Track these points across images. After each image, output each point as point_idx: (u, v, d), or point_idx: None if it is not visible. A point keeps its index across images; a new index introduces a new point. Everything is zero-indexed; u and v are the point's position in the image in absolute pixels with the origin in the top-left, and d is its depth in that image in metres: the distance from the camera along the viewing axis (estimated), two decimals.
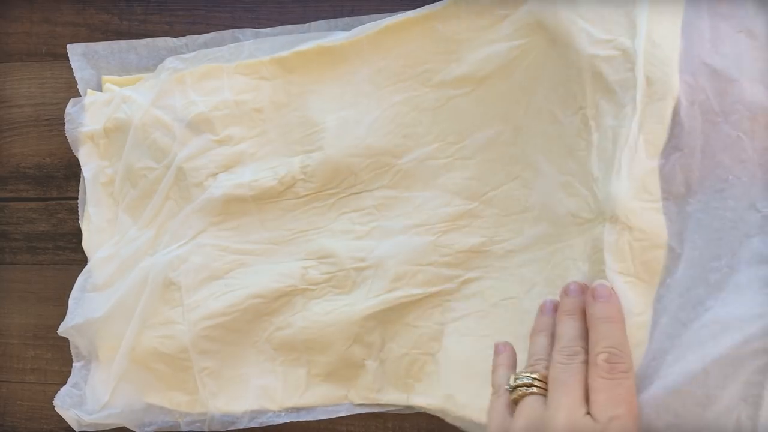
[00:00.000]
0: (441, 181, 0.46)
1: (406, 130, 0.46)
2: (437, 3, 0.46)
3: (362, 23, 0.48)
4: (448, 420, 0.44)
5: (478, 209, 0.45)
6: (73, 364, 0.49)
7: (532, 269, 0.43)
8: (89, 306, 0.48)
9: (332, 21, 0.49)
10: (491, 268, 0.44)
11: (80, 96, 0.51)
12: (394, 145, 0.46)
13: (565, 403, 0.30)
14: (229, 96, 0.48)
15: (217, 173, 0.48)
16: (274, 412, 0.47)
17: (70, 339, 0.49)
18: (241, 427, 0.47)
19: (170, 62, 0.49)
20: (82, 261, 0.50)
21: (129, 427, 0.47)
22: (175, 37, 0.50)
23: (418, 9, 0.46)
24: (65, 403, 0.48)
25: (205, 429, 0.47)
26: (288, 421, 0.47)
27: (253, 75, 0.48)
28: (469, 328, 0.44)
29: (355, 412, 0.46)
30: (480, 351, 0.44)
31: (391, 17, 0.46)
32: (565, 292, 0.35)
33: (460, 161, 0.45)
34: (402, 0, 0.49)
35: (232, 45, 0.49)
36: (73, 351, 0.50)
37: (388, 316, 0.45)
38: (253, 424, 0.47)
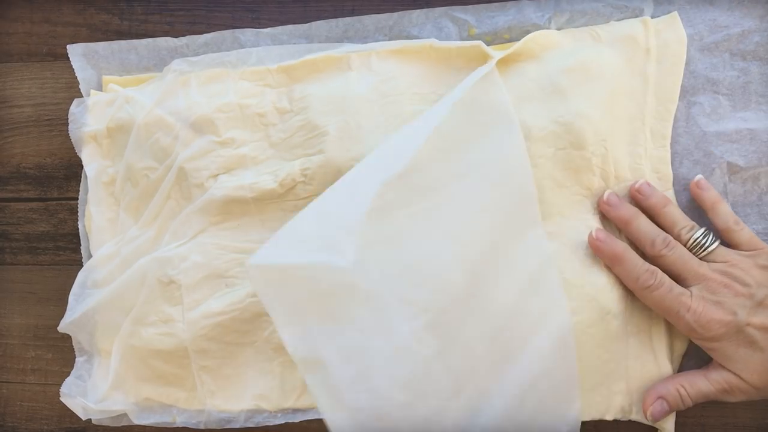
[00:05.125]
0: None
1: None
2: (466, 42, 0.46)
3: (363, 23, 0.48)
4: None
5: None
6: (76, 359, 0.49)
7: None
8: (88, 302, 0.48)
9: (333, 21, 0.48)
10: None
11: (80, 96, 0.51)
12: None
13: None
14: (233, 99, 0.48)
15: (218, 174, 0.48)
16: (270, 412, 0.47)
17: (72, 335, 0.49)
18: (237, 427, 0.47)
19: (176, 64, 0.49)
20: (83, 261, 0.50)
21: (129, 415, 0.48)
22: (175, 37, 0.50)
23: (443, 41, 0.46)
24: (72, 392, 0.48)
25: (202, 427, 0.47)
26: (284, 422, 0.47)
27: (258, 82, 0.48)
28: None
29: None
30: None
31: (409, 41, 0.46)
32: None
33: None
34: (403, 0, 0.49)
35: (241, 50, 0.48)
36: (75, 347, 0.50)
37: None
38: (248, 424, 0.47)
